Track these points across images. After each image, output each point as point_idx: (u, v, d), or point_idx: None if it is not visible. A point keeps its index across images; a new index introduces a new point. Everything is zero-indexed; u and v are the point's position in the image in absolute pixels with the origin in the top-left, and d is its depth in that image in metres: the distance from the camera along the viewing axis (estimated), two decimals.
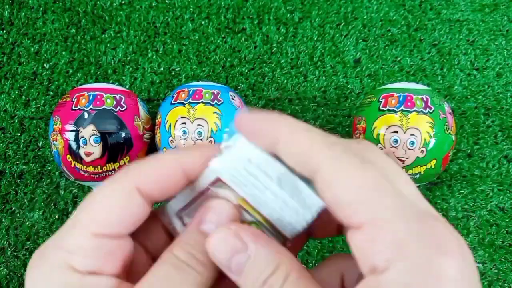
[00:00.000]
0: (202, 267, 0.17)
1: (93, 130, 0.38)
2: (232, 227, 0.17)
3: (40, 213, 0.45)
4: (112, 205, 0.17)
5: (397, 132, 0.37)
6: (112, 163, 0.39)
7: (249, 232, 0.17)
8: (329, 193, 0.15)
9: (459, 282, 0.13)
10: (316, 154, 0.16)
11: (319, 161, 0.16)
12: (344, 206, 0.15)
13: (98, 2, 0.51)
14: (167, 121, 0.39)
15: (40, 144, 0.47)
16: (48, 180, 0.46)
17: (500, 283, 0.42)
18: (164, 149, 0.40)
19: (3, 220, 0.45)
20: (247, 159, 0.18)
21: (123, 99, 0.40)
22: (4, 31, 0.50)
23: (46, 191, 0.45)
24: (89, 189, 0.46)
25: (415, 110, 0.37)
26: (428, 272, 0.13)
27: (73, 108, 0.38)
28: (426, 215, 0.14)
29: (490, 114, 0.49)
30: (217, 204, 0.18)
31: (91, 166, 0.38)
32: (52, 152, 0.41)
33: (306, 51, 0.51)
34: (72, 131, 0.38)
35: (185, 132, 0.38)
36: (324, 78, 0.49)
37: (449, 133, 0.38)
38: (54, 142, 0.39)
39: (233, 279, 0.17)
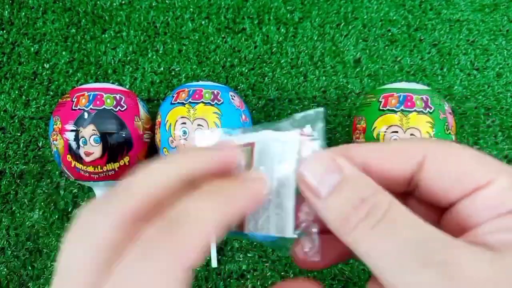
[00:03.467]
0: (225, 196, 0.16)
1: (93, 130, 0.38)
2: (330, 153, 0.16)
3: (40, 213, 0.45)
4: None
5: (397, 132, 0.37)
6: (112, 163, 0.39)
7: (345, 160, 0.15)
8: (439, 172, 0.15)
9: None
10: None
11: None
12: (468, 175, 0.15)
13: (98, 2, 0.51)
14: (167, 121, 0.39)
15: (40, 144, 0.47)
16: (48, 180, 0.46)
17: None
18: (164, 149, 0.40)
19: (3, 220, 0.45)
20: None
21: (123, 99, 0.40)
22: (4, 31, 0.50)
23: (46, 191, 0.45)
24: (89, 189, 0.46)
25: (415, 110, 0.37)
26: None
27: (73, 108, 0.38)
28: None
29: (490, 114, 0.49)
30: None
31: (91, 166, 0.38)
32: (52, 152, 0.41)
33: (306, 51, 0.51)
34: (72, 131, 0.38)
35: (185, 132, 0.38)
36: (324, 78, 0.49)
37: (449, 133, 0.38)
38: (54, 142, 0.39)
39: (317, 206, 0.15)
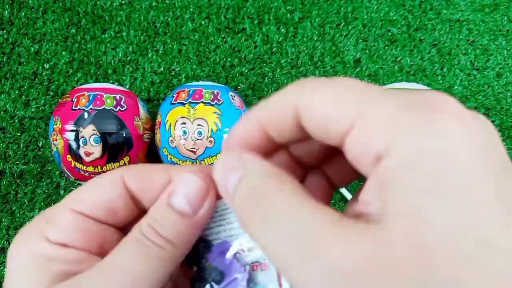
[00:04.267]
0: (165, 241, 0.16)
1: (93, 130, 0.38)
2: (236, 151, 0.16)
3: None
4: (95, 189, 0.18)
5: None
6: (112, 163, 0.39)
7: (250, 155, 0.15)
8: (315, 117, 0.14)
9: (465, 135, 0.11)
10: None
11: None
12: (330, 119, 0.14)
13: (98, 2, 0.51)
14: (167, 121, 0.39)
15: (40, 144, 0.47)
16: (48, 180, 0.46)
17: None
18: (164, 149, 0.40)
19: (3, 220, 0.45)
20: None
21: (123, 99, 0.40)
22: (4, 31, 0.50)
23: (46, 191, 0.45)
24: None
25: None
26: (426, 131, 0.11)
27: (73, 108, 0.38)
28: (418, 96, 0.13)
29: (490, 114, 0.48)
30: (187, 177, 0.17)
31: (91, 166, 0.38)
32: (52, 152, 0.41)
33: (306, 51, 0.51)
34: (72, 131, 0.38)
35: (185, 132, 0.38)
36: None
37: None
38: (54, 142, 0.39)
39: (231, 205, 0.16)
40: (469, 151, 0.11)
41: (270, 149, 0.17)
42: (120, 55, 0.49)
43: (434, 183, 0.11)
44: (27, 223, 0.19)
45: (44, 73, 0.49)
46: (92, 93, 0.39)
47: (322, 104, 0.14)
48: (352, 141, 0.13)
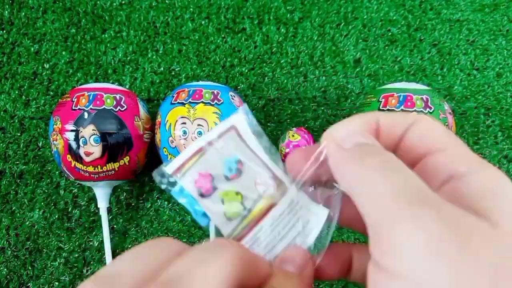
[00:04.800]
0: None
1: (93, 130, 0.38)
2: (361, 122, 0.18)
3: (40, 213, 0.45)
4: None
5: None
6: (112, 163, 0.39)
7: (370, 136, 0.18)
8: (418, 131, 0.18)
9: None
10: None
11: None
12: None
13: (98, 2, 0.51)
14: (167, 121, 0.39)
15: (40, 144, 0.47)
16: (48, 180, 0.46)
17: None
18: (164, 149, 0.40)
19: (3, 220, 0.45)
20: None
21: (123, 99, 0.40)
22: (4, 31, 0.50)
23: (46, 191, 0.45)
24: (89, 189, 0.46)
25: (415, 110, 0.37)
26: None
27: (73, 108, 0.38)
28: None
29: (490, 114, 0.49)
30: (296, 249, 0.19)
31: (91, 166, 0.38)
32: (52, 152, 0.41)
33: (306, 51, 0.51)
34: (72, 131, 0.38)
35: (185, 132, 0.38)
36: (324, 78, 0.49)
37: None
38: (54, 142, 0.39)
39: (337, 155, 0.17)
40: None
41: None
42: (120, 55, 0.49)
43: None
44: None
45: (44, 73, 0.49)
46: (92, 93, 0.39)
47: (428, 128, 0.17)
48: (436, 159, 0.17)
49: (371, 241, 0.14)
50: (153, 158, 0.43)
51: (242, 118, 0.20)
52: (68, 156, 0.38)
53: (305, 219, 0.20)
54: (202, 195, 0.19)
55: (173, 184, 0.20)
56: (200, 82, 0.42)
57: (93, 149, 0.38)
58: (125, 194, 0.46)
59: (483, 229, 0.13)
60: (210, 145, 0.20)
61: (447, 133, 0.17)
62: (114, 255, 0.44)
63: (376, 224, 0.14)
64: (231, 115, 0.20)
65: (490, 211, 0.14)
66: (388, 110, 0.38)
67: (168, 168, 0.19)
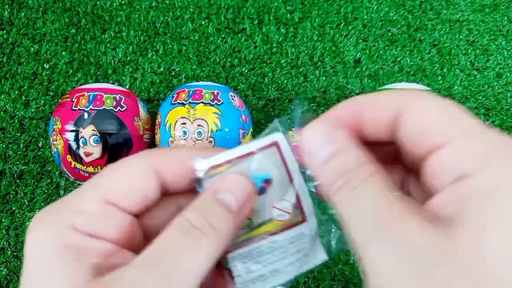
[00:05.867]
0: (215, 234, 0.17)
1: (93, 130, 0.38)
2: (327, 123, 0.17)
3: None
4: (127, 177, 0.17)
5: None
6: (112, 163, 0.39)
7: (342, 132, 0.17)
8: (411, 124, 0.16)
9: None
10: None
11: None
12: (426, 133, 0.16)
13: (98, 2, 0.51)
14: (167, 121, 0.39)
15: (40, 144, 0.47)
16: (48, 180, 0.46)
17: None
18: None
19: (3, 220, 0.45)
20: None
21: (123, 99, 0.40)
22: (4, 31, 0.50)
23: (46, 191, 0.45)
24: None
25: None
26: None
27: (73, 108, 0.38)
28: (503, 136, 0.15)
29: (490, 114, 0.48)
30: (233, 177, 0.18)
31: (91, 166, 0.38)
32: (52, 152, 0.41)
33: (306, 51, 0.51)
34: (72, 131, 0.38)
35: (185, 132, 0.38)
36: (324, 78, 0.49)
37: None
38: (54, 142, 0.39)
39: (315, 171, 0.17)
40: None
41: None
42: (120, 55, 0.49)
43: (506, 213, 0.13)
44: (42, 210, 0.17)
45: (44, 73, 0.49)
46: (92, 93, 0.39)
47: (423, 117, 0.16)
48: (439, 157, 0.15)
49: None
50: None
51: (283, 136, 0.20)
52: (68, 156, 0.38)
53: (303, 253, 0.20)
54: None
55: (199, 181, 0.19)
56: (200, 82, 0.42)
57: (93, 149, 0.38)
58: None
59: (437, 248, 0.13)
60: (247, 156, 0.19)
61: (446, 116, 0.16)
62: None
63: (359, 244, 0.15)
64: (273, 132, 0.20)
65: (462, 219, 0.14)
66: None
67: (200, 163, 0.19)
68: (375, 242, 0.14)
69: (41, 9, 0.51)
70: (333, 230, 0.20)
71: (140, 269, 0.15)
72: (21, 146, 0.46)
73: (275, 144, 0.20)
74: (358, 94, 0.49)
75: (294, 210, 0.20)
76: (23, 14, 0.50)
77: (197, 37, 0.51)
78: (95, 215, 0.16)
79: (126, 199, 0.17)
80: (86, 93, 0.39)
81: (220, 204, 0.17)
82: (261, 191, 0.19)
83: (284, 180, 0.20)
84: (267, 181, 0.20)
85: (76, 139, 0.38)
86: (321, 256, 0.20)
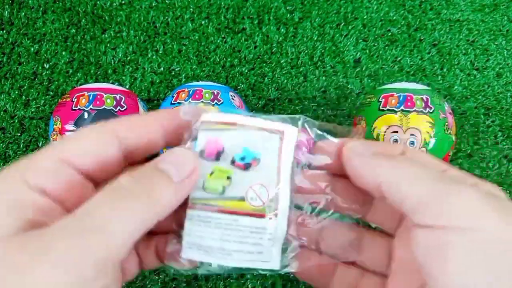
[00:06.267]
0: (147, 199, 0.16)
1: None
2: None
3: None
4: (86, 138, 0.18)
5: (397, 132, 0.37)
6: None
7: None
8: (397, 195, 0.18)
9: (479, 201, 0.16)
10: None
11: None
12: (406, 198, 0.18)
13: (98, 2, 0.51)
14: None
15: (40, 144, 0.47)
16: None
17: None
18: (164, 150, 0.40)
19: None
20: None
21: (123, 99, 0.40)
22: (4, 31, 0.50)
23: None
24: None
25: (415, 110, 0.37)
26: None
27: (73, 108, 0.38)
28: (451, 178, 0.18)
29: (490, 114, 0.48)
30: (180, 150, 0.19)
31: None
32: None
33: (306, 51, 0.51)
34: (72, 131, 0.38)
35: None
36: (324, 78, 0.49)
37: (449, 133, 0.38)
38: (54, 142, 0.39)
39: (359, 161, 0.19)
40: None
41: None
42: (120, 55, 0.50)
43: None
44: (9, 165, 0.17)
45: (44, 73, 0.49)
46: (92, 93, 0.39)
47: (404, 185, 0.18)
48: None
49: (417, 213, 0.17)
50: (153, 158, 0.43)
51: (296, 132, 0.20)
52: None
53: (258, 250, 0.19)
54: (201, 154, 0.19)
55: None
56: (200, 82, 0.42)
57: None
58: None
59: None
60: (251, 128, 0.19)
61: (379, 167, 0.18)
62: None
63: (424, 198, 0.17)
64: (288, 125, 0.20)
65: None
66: (388, 110, 0.38)
67: (205, 116, 0.19)
68: (460, 190, 0.16)
69: (41, 9, 0.51)
70: (292, 245, 0.20)
71: (66, 227, 0.15)
72: (21, 146, 0.46)
73: (281, 133, 0.20)
74: (358, 94, 0.49)
75: (269, 203, 0.19)
76: (23, 14, 0.50)
77: (197, 37, 0.51)
78: (47, 170, 0.16)
79: (81, 158, 0.17)
80: (86, 93, 0.39)
81: (160, 173, 0.17)
82: (246, 166, 0.19)
83: (272, 169, 0.19)
84: (255, 160, 0.19)
85: None
86: (274, 263, 0.19)
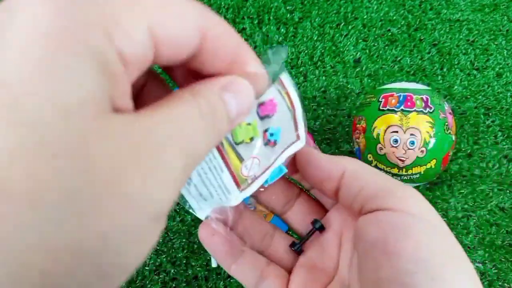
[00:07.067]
0: (215, 130, 0.15)
1: None
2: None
3: None
4: (180, 18, 0.13)
5: (397, 132, 0.37)
6: None
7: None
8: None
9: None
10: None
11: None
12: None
13: None
14: None
15: None
16: None
17: (500, 283, 0.42)
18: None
19: None
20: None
21: None
22: None
23: None
24: None
25: (415, 110, 0.37)
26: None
27: None
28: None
29: (490, 114, 0.49)
30: (246, 84, 0.16)
31: None
32: None
33: (306, 51, 0.51)
34: None
35: None
36: (324, 78, 0.49)
37: (449, 133, 0.38)
38: None
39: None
40: None
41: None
42: None
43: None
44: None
45: None
46: None
47: (365, 174, 0.21)
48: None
49: (379, 197, 0.20)
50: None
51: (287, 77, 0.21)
52: None
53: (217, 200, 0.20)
54: (258, 103, 0.19)
55: None
56: None
57: None
58: None
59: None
60: (291, 118, 0.22)
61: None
62: None
63: (384, 187, 0.20)
64: (298, 142, 0.22)
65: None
66: (388, 110, 0.38)
67: (286, 75, 0.20)
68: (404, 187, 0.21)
69: None
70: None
71: (167, 121, 0.13)
72: None
73: (297, 136, 0.22)
74: (358, 94, 0.49)
75: (250, 180, 0.21)
76: None
77: None
78: (140, 43, 0.12)
79: (172, 40, 0.13)
80: None
81: (223, 105, 0.15)
82: (267, 142, 0.20)
83: (273, 159, 0.21)
84: (275, 142, 0.20)
85: None
86: (236, 198, 0.21)
